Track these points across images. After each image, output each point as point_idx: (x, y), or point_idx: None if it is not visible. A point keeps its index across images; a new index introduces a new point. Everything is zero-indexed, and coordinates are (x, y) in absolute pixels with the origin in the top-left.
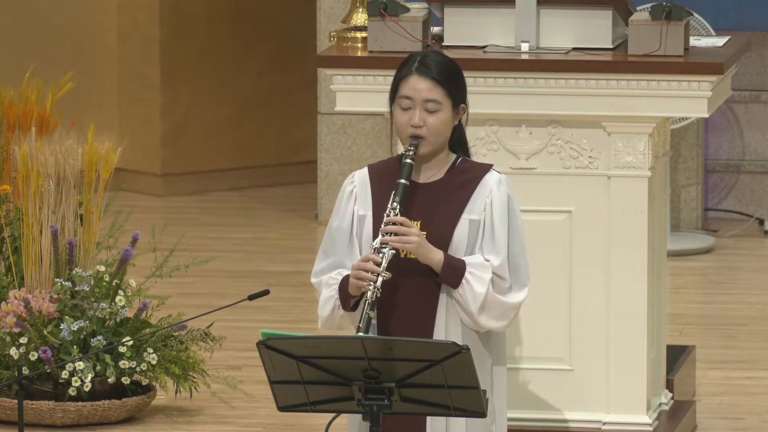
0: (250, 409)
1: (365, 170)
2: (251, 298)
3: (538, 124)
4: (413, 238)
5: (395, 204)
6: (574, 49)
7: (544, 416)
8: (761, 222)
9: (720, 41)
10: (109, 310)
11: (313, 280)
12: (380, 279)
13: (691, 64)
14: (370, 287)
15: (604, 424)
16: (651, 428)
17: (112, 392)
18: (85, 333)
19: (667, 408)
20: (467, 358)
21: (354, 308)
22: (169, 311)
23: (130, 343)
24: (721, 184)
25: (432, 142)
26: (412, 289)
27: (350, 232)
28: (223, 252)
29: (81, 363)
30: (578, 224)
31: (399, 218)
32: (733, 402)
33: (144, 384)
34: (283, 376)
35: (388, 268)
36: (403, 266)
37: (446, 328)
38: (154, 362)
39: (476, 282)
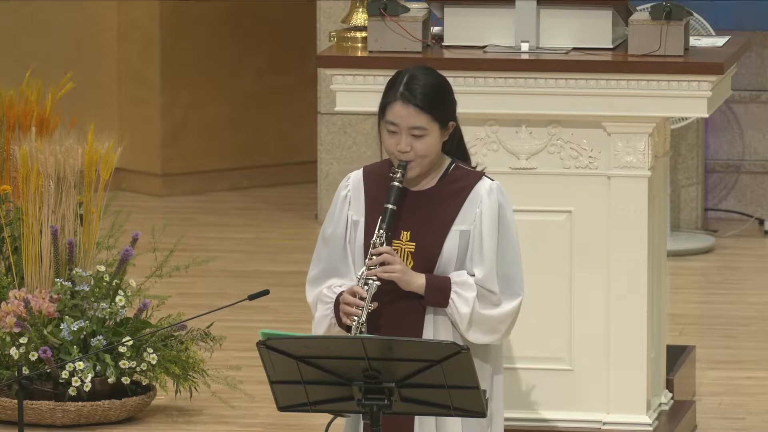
0: (250, 409)
1: (360, 173)
2: (251, 298)
3: (538, 124)
4: (396, 267)
5: (381, 232)
6: (574, 49)
7: (544, 416)
8: (761, 222)
9: (720, 41)
10: (109, 310)
11: (308, 293)
12: (365, 313)
13: (691, 64)
14: (354, 322)
15: (604, 424)
16: (651, 428)
17: (112, 392)
18: (85, 333)
19: (667, 408)
20: (467, 358)
21: (349, 328)
22: (169, 311)
23: (130, 343)
24: (721, 184)
25: (419, 164)
26: (399, 311)
27: (344, 238)
28: (223, 252)
29: (81, 363)
30: (578, 224)
31: (384, 248)
32: (733, 402)
33: (144, 384)
34: (283, 376)
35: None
36: (389, 288)
37: None
38: (154, 362)
39: (461, 302)
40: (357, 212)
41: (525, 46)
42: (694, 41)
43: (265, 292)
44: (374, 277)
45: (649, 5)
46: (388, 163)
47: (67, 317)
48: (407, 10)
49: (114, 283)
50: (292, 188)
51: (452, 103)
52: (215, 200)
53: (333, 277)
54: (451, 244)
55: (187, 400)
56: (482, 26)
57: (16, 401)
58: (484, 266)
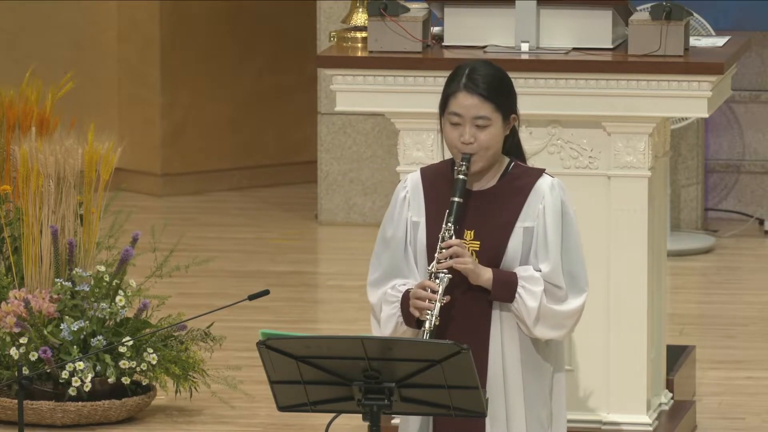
0: (250, 409)
1: (417, 174)
2: (251, 298)
3: (538, 124)
4: (468, 259)
5: (449, 225)
6: (574, 49)
7: None
8: (761, 222)
9: (720, 41)
10: (109, 310)
11: (370, 295)
12: (438, 306)
13: (691, 64)
14: (428, 316)
15: (604, 424)
16: (651, 428)
17: (112, 392)
18: (85, 333)
19: (667, 408)
20: (467, 358)
21: (418, 325)
22: (169, 311)
23: (130, 343)
24: (721, 184)
25: (483, 156)
26: (467, 305)
27: (405, 239)
28: (223, 252)
29: (81, 363)
30: (578, 224)
31: (454, 241)
32: (733, 402)
33: (144, 384)
34: (283, 376)
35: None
36: (457, 281)
37: (502, 342)
38: (154, 362)
39: (528, 296)
40: (417, 213)
41: (525, 46)
42: (694, 41)
43: (265, 292)
44: (445, 270)
45: (649, 5)
46: (446, 164)
47: (67, 317)
48: (407, 10)
49: (114, 283)
50: (292, 188)
51: (514, 95)
52: (215, 200)
53: (395, 278)
54: (515, 242)
55: (187, 400)
56: (482, 26)
57: (16, 401)
58: (549, 261)
